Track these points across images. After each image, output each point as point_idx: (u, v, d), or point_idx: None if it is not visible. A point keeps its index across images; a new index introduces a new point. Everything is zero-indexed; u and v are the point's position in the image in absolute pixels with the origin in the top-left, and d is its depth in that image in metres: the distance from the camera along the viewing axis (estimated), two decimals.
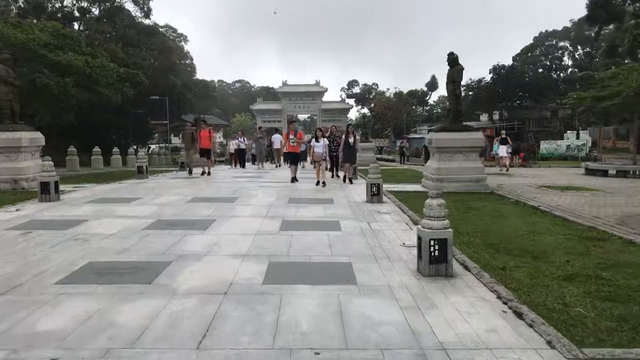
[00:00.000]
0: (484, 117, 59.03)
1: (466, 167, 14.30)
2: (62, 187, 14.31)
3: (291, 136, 16.54)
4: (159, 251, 6.94)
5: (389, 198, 12.27)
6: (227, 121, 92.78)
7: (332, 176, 18.26)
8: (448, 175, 14.22)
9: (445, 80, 14.86)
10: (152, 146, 64.32)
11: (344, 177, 16.66)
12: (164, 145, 63.77)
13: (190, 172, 19.29)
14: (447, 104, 15.03)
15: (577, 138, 37.96)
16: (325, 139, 15.73)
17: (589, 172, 21.79)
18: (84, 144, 28.02)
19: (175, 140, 79.29)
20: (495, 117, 53.28)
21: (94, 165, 26.73)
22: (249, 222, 9.15)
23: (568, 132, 39.90)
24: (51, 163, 12.16)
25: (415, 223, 9.03)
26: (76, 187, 15.06)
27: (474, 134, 14.49)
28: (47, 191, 11.59)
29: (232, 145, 26.85)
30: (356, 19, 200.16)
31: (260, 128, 32.51)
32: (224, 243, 7.44)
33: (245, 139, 27.12)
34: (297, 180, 16.27)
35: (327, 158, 16.58)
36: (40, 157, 15.31)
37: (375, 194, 11.68)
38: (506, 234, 8.27)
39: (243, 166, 25.75)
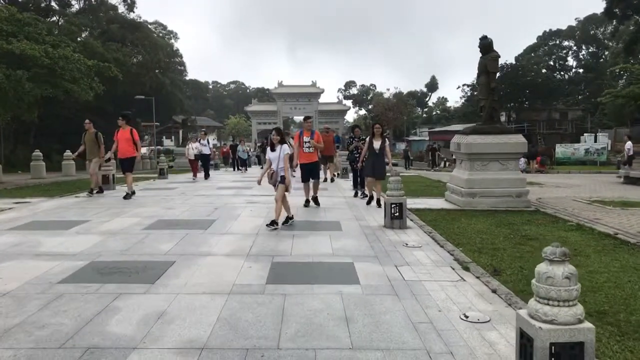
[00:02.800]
0: None
1: (504, 179, 11.47)
2: None
3: (305, 138, 11.13)
4: (60, 338, 4.06)
5: (411, 219, 9.41)
6: (221, 123, 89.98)
7: (356, 194, 13.47)
8: (481, 189, 11.38)
9: (477, 70, 12.02)
10: (143, 149, 61.27)
11: (370, 197, 11.81)
12: (154, 148, 60.62)
13: (91, 192, 13.50)
14: (479, 100, 12.17)
15: (595, 141, 35.20)
16: (286, 147, 8.79)
17: (629, 180, 18.95)
18: (68, 147, 25.12)
19: (167, 143, 76.54)
20: (503, 118, 50.56)
21: (65, 171, 23.78)
22: (223, 266, 6.27)
23: (585, 134, 37.14)
24: None
25: (466, 268, 6.19)
26: (18, 202, 12.14)
27: (513, 137, 11.66)
28: None
29: (192, 150, 20.57)
30: (353, 20, 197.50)
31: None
32: (175, 315, 4.57)
33: (209, 140, 21.37)
34: (318, 204, 11.35)
35: (289, 176, 9.09)
36: None
37: (396, 217, 8.81)
38: (616, 294, 5.40)
39: (207, 176, 20.36)
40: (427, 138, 61.08)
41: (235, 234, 8.18)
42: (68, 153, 23.60)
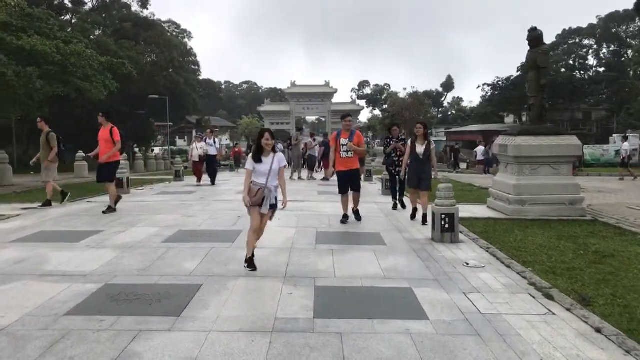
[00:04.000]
0: (509, 119, 54.97)
1: (555, 185, 10.40)
2: (2, 211, 10.58)
3: (343, 141, 9.27)
4: None
5: (461, 231, 8.37)
6: (233, 123, 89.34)
7: (395, 207, 11.32)
8: (531, 196, 10.32)
9: (525, 64, 10.97)
10: (156, 149, 60.68)
11: (414, 210, 9.78)
12: (168, 148, 60.01)
13: (45, 204, 11.49)
14: (529, 98, 11.05)
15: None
16: (282, 156, 6.30)
17: None
18: (80, 148, 24.37)
19: (180, 143, 75.85)
20: (524, 119, 49.20)
21: (77, 172, 22.99)
22: (258, 292, 5.31)
23: (615, 135, 35.69)
24: None
25: (549, 296, 5.16)
26: (26, 208, 11.26)
27: (566, 138, 10.57)
28: None
29: (196, 151, 17.61)
30: (367, 19, 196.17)
31: (301, 130, 25.56)
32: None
33: (216, 139, 18.17)
34: (359, 219, 9.53)
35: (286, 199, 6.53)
36: None
37: (447, 229, 7.79)
38: None
39: (213, 182, 17.68)
40: (444, 138, 59.88)
41: (266, 249, 7.20)
42: (80, 154, 22.82)
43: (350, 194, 9.48)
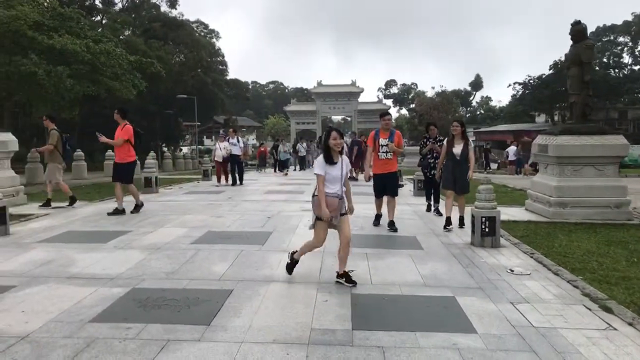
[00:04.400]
0: (540, 119, 53.70)
1: (600, 186, 9.88)
2: (30, 210, 10.57)
3: (382, 141, 8.60)
4: None
5: (501, 236, 7.94)
6: (260, 123, 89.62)
7: (429, 209, 10.79)
8: (573, 198, 9.82)
9: (567, 61, 10.44)
10: (184, 149, 61.18)
11: (448, 218, 8.70)
12: (196, 147, 60.44)
13: (45, 204, 10.88)
14: (570, 95, 10.55)
15: None
16: (347, 159, 5.63)
17: None
18: (110, 147, 24.45)
19: (208, 143, 76.28)
20: (556, 118, 47.95)
21: (107, 171, 23.02)
22: (292, 299, 5.01)
23: None
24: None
25: (606, 309, 4.75)
26: (55, 207, 11.21)
27: (612, 137, 10.04)
28: None
29: (219, 151, 16.82)
30: (393, 18, 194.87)
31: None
32: None
33: (239, 139, 17.30)
34: (394, 229, 8.45)
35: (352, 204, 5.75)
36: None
37: (487, 233, 7.39)
38: None
39: (239, 181, 17.02)
40: (473, 138, 58.92)
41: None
42: (110, 153, 22.90)
43: (386, 199, 8.73)
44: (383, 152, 8.65)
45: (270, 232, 8.27)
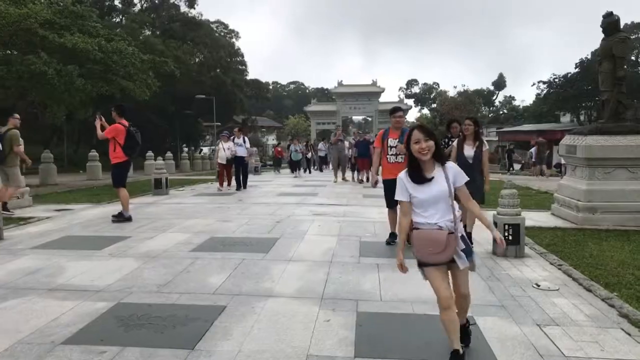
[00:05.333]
0: (565, 118, 52.30)
1: (633, 190, 9.17)
2: (33, 212, 10.24)
3: (392, 141, 7.37)
4: None
5: (526, 244, 7.30)
6: (280, 123, 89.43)
7: None
8: (604, 202, 9.12)
9: (599, 55, 9.76)
10: (204, 149, 61.28)
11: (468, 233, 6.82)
12: (215, 148, 60.40)
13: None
14: (602, 93, 9.84)
15: None
16: (457, 168, 3.58)
17: None
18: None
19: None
20: (582, 117, 46.60)
21: (90, 173, 22.82)
22: (290, 318, 4.49)
23: None
24: None
25: None
26: (60, 209, 10.90)
27: None
28: None
29: (223, 152, 15.05)
30: (417, 18, 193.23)
31: (338, 126, 23.37)
32: None
33: (246, 139, 15.74)
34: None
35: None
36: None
37: (510, 241, 6.77)
38: None
39: (243, 185, 15.54)
40: (495, 138, 57.67)
41: (302, 262, 6.41)
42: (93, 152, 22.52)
43: (392, 211, 7.37)
44: (392, 155, 7.37)
45: (277, 239, 7.76)
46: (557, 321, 4.46)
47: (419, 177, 3.49)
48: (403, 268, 3.65)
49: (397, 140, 7.26)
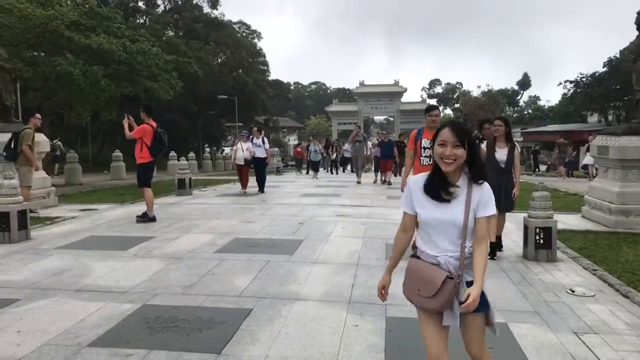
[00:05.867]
0: (592, 119, 51.30)
1: None
2: (58, 212, 10.34)
3: (426, 142, 6.71)
4: None
5: (558, 247, 7.09)
6: (301, 124, 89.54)
7: None
8: (638, 205, 8.85)
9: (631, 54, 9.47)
10: (226, 149, 61.67)
11: (498, 236, 6.93)
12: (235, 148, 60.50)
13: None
14: (636, 92, 9.55)
15: None
16: (484, 189, 2.57)
17: None
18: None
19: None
20: (610, 117, 45.61)
21: (114, 173, 23.01)
22: (318, 322, 4.39)
23: None
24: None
25: None
26: (84, 209, 10.98)
27: None
28: (5, 227, 7.41)
29: (241, 152, 14.36)
30: (440, 16, 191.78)
31: (358, 126, 22.40)
32: None
33: (265, 139, 14.97)
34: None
35: None
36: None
37: (542, 245, 6.59)
38: None
39: (259, 188, 14.81)
40: (520, 139, 56.88)
41: (328, 264, 6.32)
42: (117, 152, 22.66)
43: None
44: (426, 157, 6.71)
45: (301, 240, 7.68)
46: (595, 329, 4.29)
47: (434, 190, 2.60)
48: (383, 295, 2.90)
49: (432, 139, 6.57)
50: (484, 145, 6.96)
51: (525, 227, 6.71)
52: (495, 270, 6.15)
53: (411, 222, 2.76)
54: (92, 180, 19.16)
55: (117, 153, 21.03)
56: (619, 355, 3.80)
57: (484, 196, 2.58)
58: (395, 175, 19.29)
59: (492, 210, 2.59)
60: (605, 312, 4.70)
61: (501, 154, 6.78)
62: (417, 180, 2.73)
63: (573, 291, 5.30)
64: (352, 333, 4.17)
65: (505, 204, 6.66)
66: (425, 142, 6.72)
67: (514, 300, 5.03)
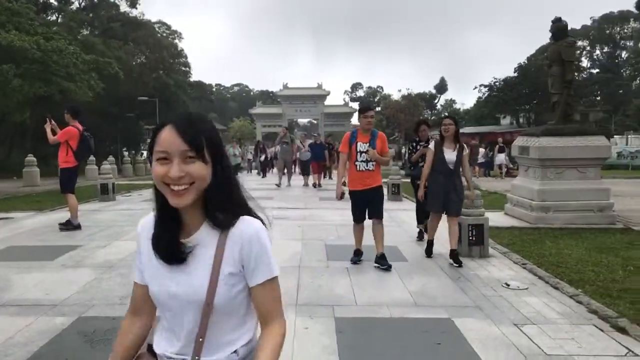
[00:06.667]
0: (505, 121, 54.34)
1: (582, 189, 9.53)
2: None
3: (361, 146, 6.29)
4: None
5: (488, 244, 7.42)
6: (225, 126, 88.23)
7: (421, 236, 8.11)
8: (556, 202, 9.43)
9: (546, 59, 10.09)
10: (145, 152, 59.49)
11: (430, 243, 6.96)
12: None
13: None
14: (552, 95, 10.16)
15: (627, 144, 33.05)
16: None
17: None
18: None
19: None
20: (521, 120, 48.53)
21: (27, 180, 21.65)
22: None
23: (616, 136, 34.88)
24: None
25: (621, 330, 4.24)
26: (3, 217, 10.21)
27: (594, 138, 9.70)
28: None
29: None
30: (359, 22, 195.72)
31: (285, 128, 21.22)
32: None
33: (239, 149, 15.21)
34: (385, 266, 6.11)
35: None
36: None
37: (475, 242, 6.86)
38: None
39: None
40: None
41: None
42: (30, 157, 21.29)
43: (373, 224, 6.40)
44: (362, 161, 6.27)
45: None
46: (532, 320, 4.50)
47: (160, 244, 1.47)
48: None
49: (368, 144, 6.24)
50: (431, 145, 6.78)
51: (459, 225, 6.95)
52: (433, 267, 6.34)
53: (143, 298, 1.57)
54: (3, 187, 17.82)
55: (30, 158, 19.64)
56: (556, 343, 4.00)
57: (253, 248, 1.43)
58: (325, 178, 19.44)
59: (273, 270, 1.46)
60: (540, 304, 4.95)
61: (450, 154, 6.59)
62: (149, 224, 1.55)
63: (508, 285, 5.55)
64: (303, 336, 4.12)
65: (454, 207, 6.60)
66: (361, 146, 6.29)
67: (455, 296, 5.19)
